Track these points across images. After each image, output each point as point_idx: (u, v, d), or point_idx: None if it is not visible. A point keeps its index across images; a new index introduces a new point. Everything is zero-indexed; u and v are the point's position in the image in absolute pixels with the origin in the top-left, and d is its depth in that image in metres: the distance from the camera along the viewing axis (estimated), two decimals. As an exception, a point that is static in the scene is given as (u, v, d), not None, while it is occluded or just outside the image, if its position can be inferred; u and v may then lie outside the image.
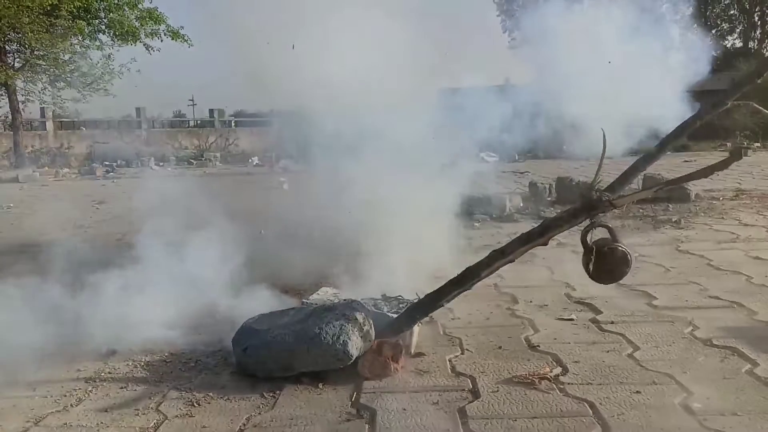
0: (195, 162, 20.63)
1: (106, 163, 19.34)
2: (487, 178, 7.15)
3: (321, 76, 4.48)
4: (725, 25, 28.33)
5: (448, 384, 2.55)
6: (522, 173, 13.03)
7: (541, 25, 7.27)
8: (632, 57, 7.20)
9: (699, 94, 7.01)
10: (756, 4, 28.02)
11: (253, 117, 25.76)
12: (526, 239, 2.70)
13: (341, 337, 2.56)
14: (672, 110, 7.08)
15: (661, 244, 5.20)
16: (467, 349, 2.93)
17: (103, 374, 2.77)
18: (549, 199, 8.06)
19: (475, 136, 5.35)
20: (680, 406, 2.27)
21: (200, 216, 4.44)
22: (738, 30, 28.83)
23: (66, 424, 2.32)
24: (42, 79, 20.29)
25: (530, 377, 2.54)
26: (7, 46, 19.42)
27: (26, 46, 19.09)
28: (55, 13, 18.61)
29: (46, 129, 23.25)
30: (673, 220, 6.24)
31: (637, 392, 2.39)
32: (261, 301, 3.40)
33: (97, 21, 20.93)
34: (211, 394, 2.52)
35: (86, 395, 2.56)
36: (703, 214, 6.61)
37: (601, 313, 3.40)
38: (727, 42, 27.52)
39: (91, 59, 20.61)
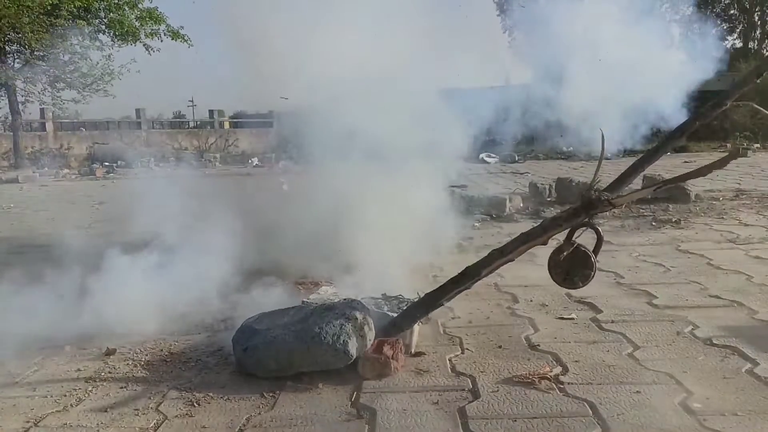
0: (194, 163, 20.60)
1: (106, 163, 19.33)
2: (486, 178, 7.14)
3: (321, 76, 4.48)
4: (725, 25, 28.30)
5: (448, 383, 2.55)
6: (522, 173, 13.04)
7: (544, 23, 7.25)
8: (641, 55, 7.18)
9: (701, 94, 6.99)
10: (756, 3, 27.99)
11: (252, 118, 25.75)
12: (526, 238, 2.70)
13: (341, 336, 2.56)
14: (673, 110, 7.10)
15: (661, 244, 5.20)
16: (467, 349, 2.93)
17: (103, 374, 2.77)
18: (549, 199, 8.06)
19: (476, 135, 5.35)
20: (680, 406, 2.27)
21: (198, 217, 4.45)
22: (738, 30, 28.80)
23: (66, 424, 2.32)
24: (42, 79, 20.28)
25: (530, 377, 2.54)
26: (7, 47, 19.40)
27: (26, 46, 19.07)
28: (55, 13, 18.60)
29: (45, 130, 23.23)
30: (674, 220, 6.24)
31: (637, 392, 2.39)
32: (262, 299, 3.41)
33: (97, 21, 20.89)
34: (211, 393, 2.52)
35: (86, 395, 2.56)
36: (703, 215, 6.61)
37: (602, 312, 3.40)
38: (727, 42, 27.51)
39: (91, 60, 20.59)
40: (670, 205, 7.06)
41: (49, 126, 23.28)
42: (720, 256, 4.59)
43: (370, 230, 4.09)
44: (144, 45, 21.75)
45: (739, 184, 9.39)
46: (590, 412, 2.25)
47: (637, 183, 5.24)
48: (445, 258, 4.79)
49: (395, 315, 2.89)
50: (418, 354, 2.86)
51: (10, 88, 19.84)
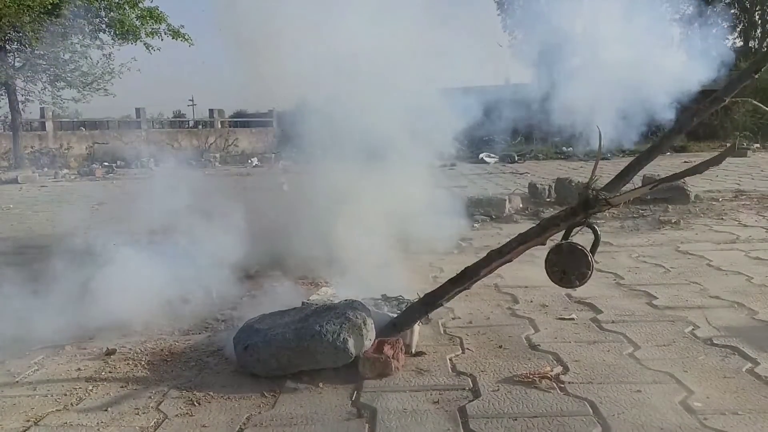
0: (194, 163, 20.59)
1: (106, 163, 19.31)
2: (485, 178, 7.15)
3: (320, 76, 4.49)
4: (725, 24, 28.32)
5: (448, 383, 2.55)
6: (521, 174, 13.04)
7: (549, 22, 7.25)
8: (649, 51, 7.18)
9: (701, 94, 6.98)
10: (756, 3, 27.99)
11: (252, 117, 25.76)
12: (524, 239, 2.70)
13: (341, 334, 2.56)
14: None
15: (660, 245, 5.20)
16: (468, 348, 2.93)
17: (103, 373, 2.77)
18: (548, 199, 8.06)
19: (473, 134, 5.37)
20: (680, 405, 2.27)
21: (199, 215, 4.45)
22: (738, 29, 28.80)
23: (66, 423, 2.32)
24: (42, 78, 20.27)
25: (531, 376, 2.54)
26: (7, 45, 19.39)
27: (26, 45, 19.06)
28: (56, 13, 18.58)
29: (45, 129, 23.23)
30: (673, 221, 6.23)
31: (638, 391, 2.39)
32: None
33: (97, 20, 20.88)
34: (211, 393, 2.52)
35: (86, 394, 2.56)
36: (702, 215, 6.60)
37: (602, 312, 3.40)
38: (727, 41, 27.51)
39: (91, 59, 20.59)
40: (670, 206, 7.05)
41: (49, 125, 23.28)
42: (720, 257, 4.59)
43: (370, 230, 4.09)
44: (144, 44, 21.74)
45: (738, 184, 9.39)
46: (591, 411, 2.25)
47: (636, 183, 5.24)
48: (445, 258, 4.80)
49: (395, 315, 2.90)
50: (418, 354, 2.86)
51: (10, 87, 19.83)
